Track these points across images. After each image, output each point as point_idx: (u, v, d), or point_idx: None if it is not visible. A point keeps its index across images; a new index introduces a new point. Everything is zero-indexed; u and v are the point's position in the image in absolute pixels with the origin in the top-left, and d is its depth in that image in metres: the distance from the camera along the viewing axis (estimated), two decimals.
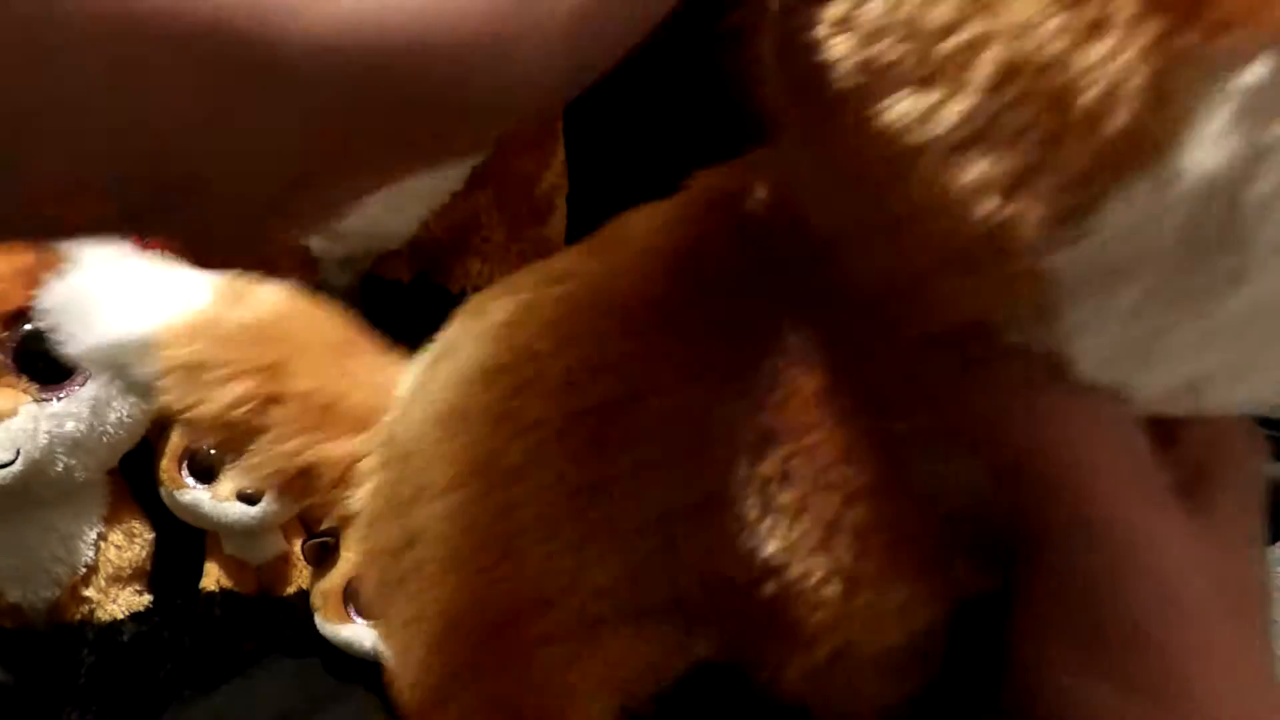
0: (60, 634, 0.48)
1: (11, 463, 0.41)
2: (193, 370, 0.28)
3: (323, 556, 0.50)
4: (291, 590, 0.52)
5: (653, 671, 0.24)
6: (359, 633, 0.48)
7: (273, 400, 0.28)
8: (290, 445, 0.28)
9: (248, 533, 0.50)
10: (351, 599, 0.49)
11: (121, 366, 0.28)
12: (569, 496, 0.22)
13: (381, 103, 0.15)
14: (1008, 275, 0.16)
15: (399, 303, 0.58)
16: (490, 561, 0.23)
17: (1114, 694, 0.18)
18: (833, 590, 0.21)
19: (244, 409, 0.28)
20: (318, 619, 0.49)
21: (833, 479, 0.21)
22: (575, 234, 0.61)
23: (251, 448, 0.28)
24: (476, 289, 0.57)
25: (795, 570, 0.21)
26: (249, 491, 0.48)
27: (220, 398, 0.27)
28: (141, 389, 0.28)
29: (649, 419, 0.22)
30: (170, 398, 0.28)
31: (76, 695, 0.47)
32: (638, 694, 0.24)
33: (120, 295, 0.29)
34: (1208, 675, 0.18)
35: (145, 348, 0.28)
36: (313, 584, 0.50)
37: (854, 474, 0.20)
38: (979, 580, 0.21)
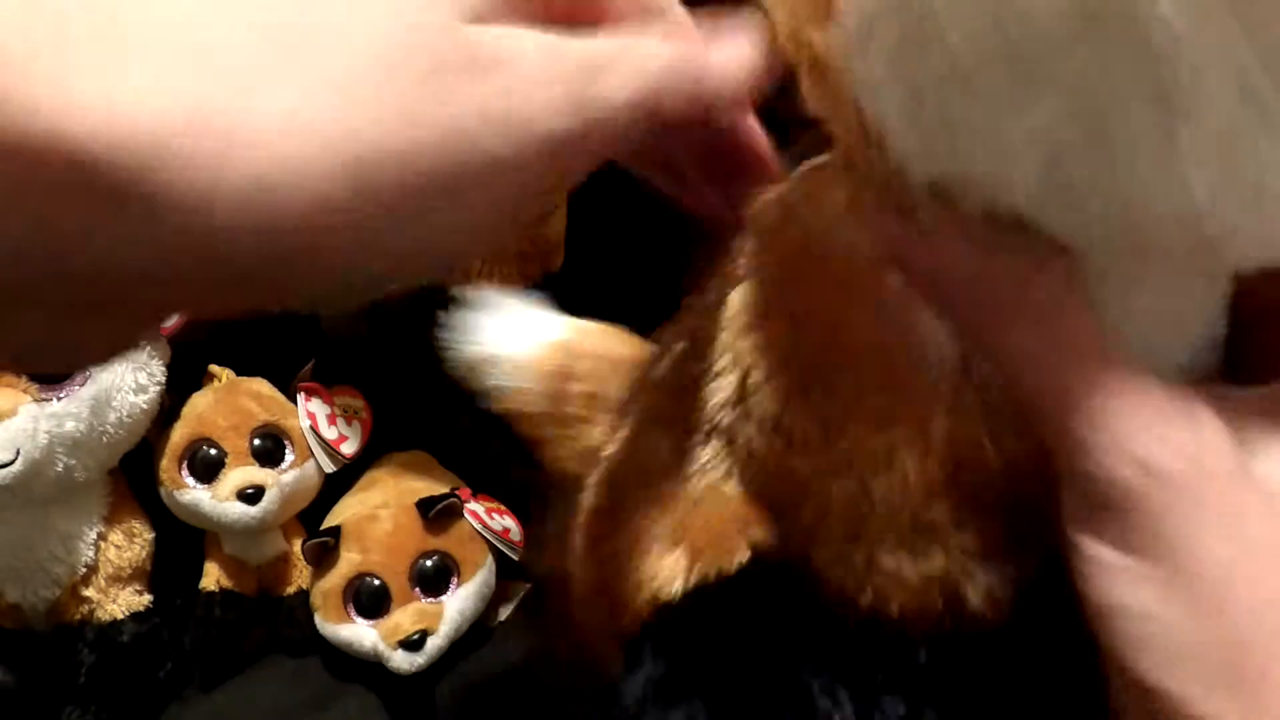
0: (60, 634, 0.48)
1: (11, 463, 0.41)
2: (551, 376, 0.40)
3: (323, 556, 0.50)
4: (291, 590, 0.52)
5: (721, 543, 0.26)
6: (359, 633, 0.48)
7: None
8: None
9: (248, 533, 0.50)
10: (351, 599, 0.49)
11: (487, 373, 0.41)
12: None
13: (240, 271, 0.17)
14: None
15: (399, 303, 0.58)
16: None
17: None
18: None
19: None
20: (318, 619, 0.49)
21: None
22: (575, 234, 0.61)
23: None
24: (477, 289, 0.57)
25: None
26: (250, 491, 0.48)
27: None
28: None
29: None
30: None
31: (76, 695, 0.47)
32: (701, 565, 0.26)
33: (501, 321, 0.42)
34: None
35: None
36: (313, 584, 0.50)
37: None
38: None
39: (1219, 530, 0.18)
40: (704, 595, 0.26)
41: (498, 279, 0.57)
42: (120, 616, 0.48)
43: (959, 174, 0.19)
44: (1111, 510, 0.19)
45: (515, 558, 0.52)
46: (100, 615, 0.48)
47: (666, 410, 0.29)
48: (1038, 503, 0.21)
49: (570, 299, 0.61)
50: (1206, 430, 0.19)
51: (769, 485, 0.25)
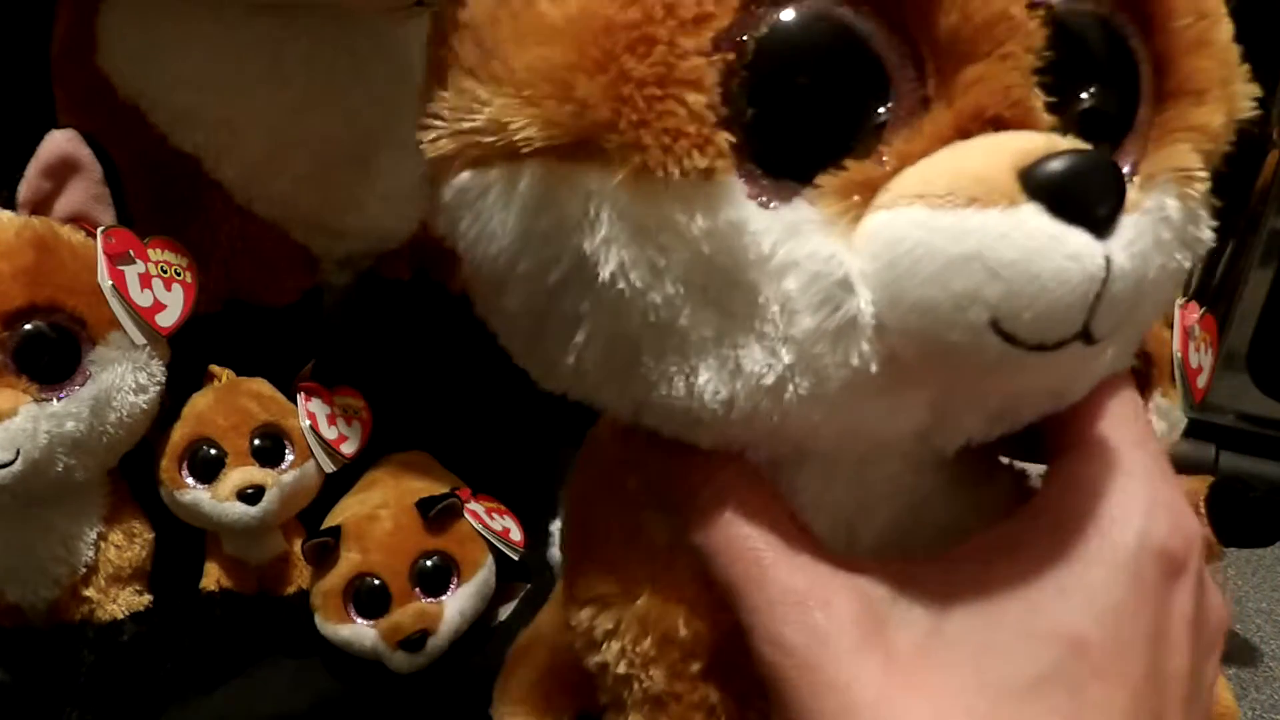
0: (60, 634, 0.48)
1: (11, 463, 0.41)
2: None
3: (323, 556, 0.50)
4: (291, 590, 0.52)
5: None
6: (359, 633, 0.48)
7: None
8: None
9: (248, 533, 0.50)
10: (351, 599, 0.49)
11: None
12: None
13: None
14: None
15: (399, 301, 0.58)
16: None
17: None
18: None
19: None
20: (318, 619, 0.50)
21: None
22: None
23: None
24: None
25: None
26: (250, 491, 0.48)
27: None
28: None
29: None
30: None
31: (76, 695, 0.47)
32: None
33: None
34: None
35: None
36: (313, 584, 0.50)
37: None
38: None
39: (837, 699, 0.21)
40: None
41: None
42: (120, 616, 0.48)
43: (583, 397, 0.24)
44: (772, 687, 0.22)
45: (515, 558, 0.52)
46: (100, 615, 0.48)
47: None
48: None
49: None
50: (836, 610, 0.21)
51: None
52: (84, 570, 0.47)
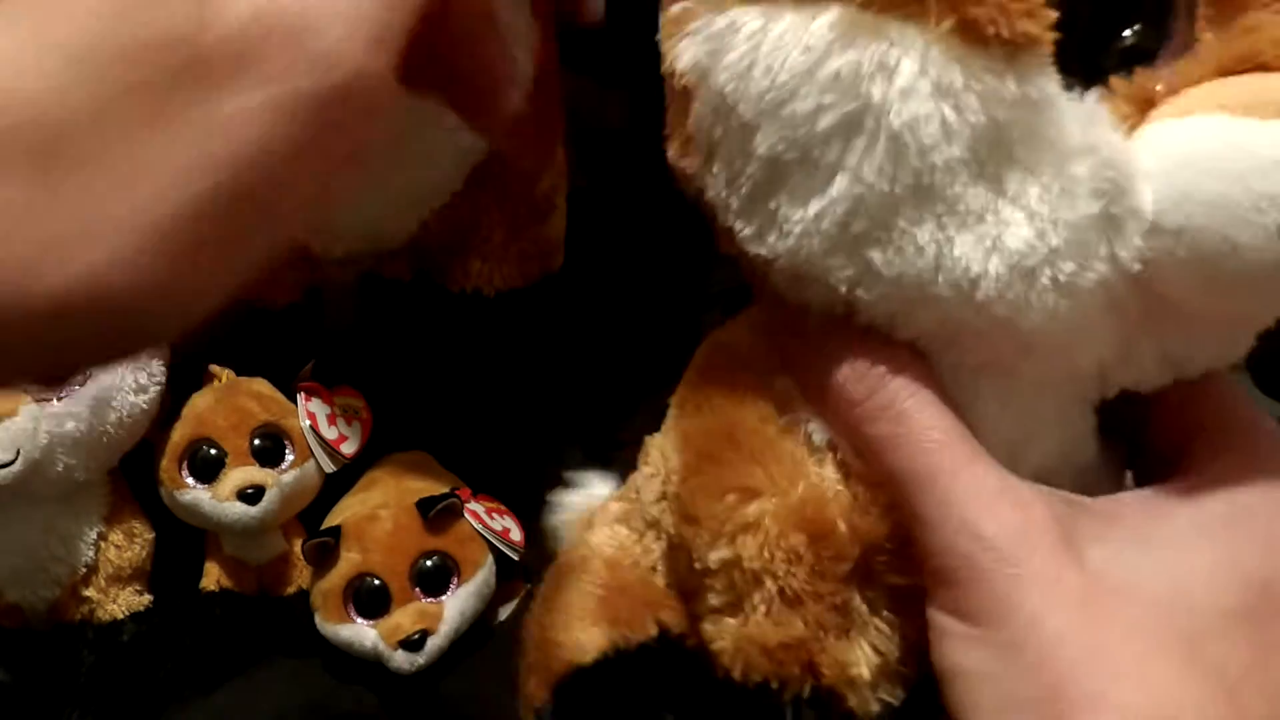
0: (60, 634, 0.48)
1: (11, 463, 0.41)
2: None
3: (323, 556, 0.50)
4: (291, 590, 0.52)
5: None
6: (359, 633, 0.48)
7: None
8: None
9: (248, 533, 0.50)
10: (351, 599, 0.49)
11: None
12: None
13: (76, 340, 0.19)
14: None
15: (399, 302, 0.58)
16: None
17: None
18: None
19: None
20: (318, 619, 0.49)
21: None
22: (575, 234, 0.61)
23: None
24: (476, 289, 0.57)
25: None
26: (250, 491, 0.48)
27: None
28: None
29: None
30: None
31: (76, 695, 0.47)
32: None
33: None
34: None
35: None
36: (313, 584, 0.50)
37: None
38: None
39: (1040, 593, 0.21)
40: (609, 664, 0.28)
41: (498, 279, 0.57)
42: (120, 616, 0.48)
43: (794, 264, 0.23)
44: (951, 580, 0.21)
45: (515, 558, 0.52)
46: (100, 615, 0.48)
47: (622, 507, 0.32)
48: (893, 583, 0.25)
49: (570, 299, 0.61)
50: (1034, 511, 0.22)
51: (678, 567, 0.28)
52: (84, 570, 0.47)
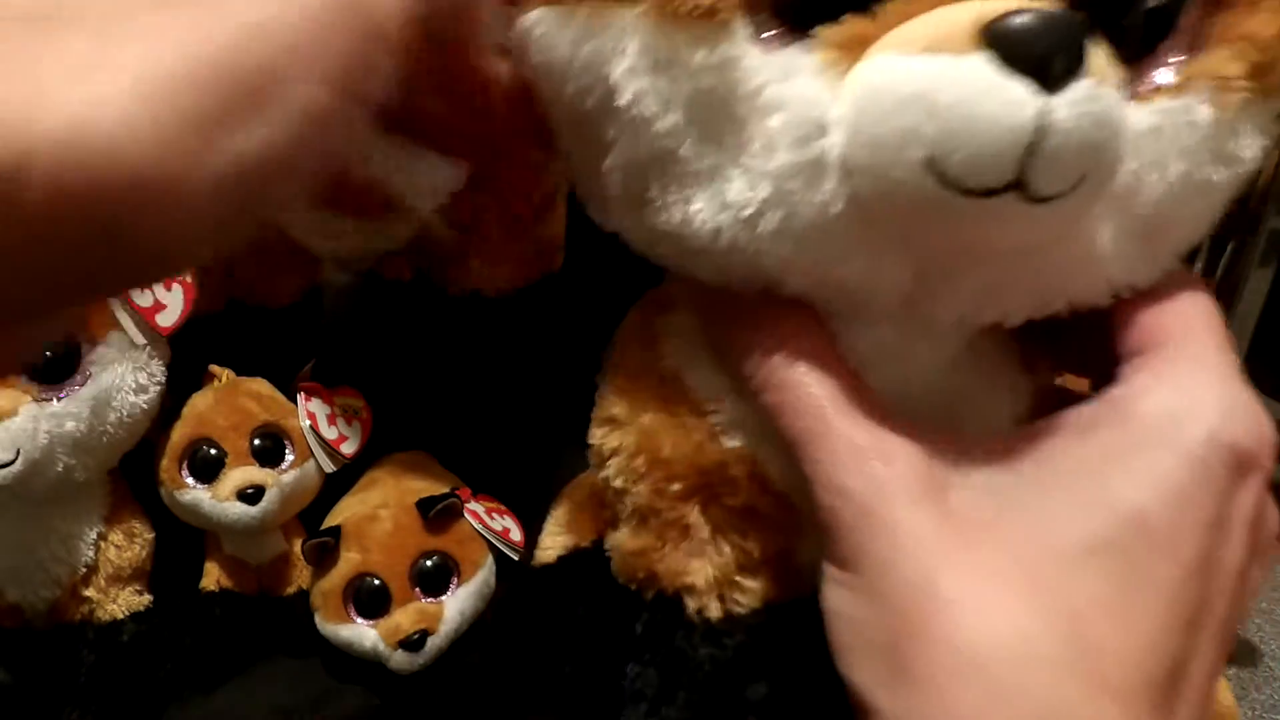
0: (60, 634, 0.48)
1: (11, 463, 0.41)
2: None
3: (323, 556, 0.50)
4: (291, 590, 0.52)
5: None
6: (359, 633, 0.48)
7: None
8: None
9: (248, 533, 0.50)
10: (351, 599, 0.49)
11: None
12: None
13: (81, 237, 0.17)
14: None
15: (399, 302, 0.58)
16: None
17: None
18: None
19: None
20: (318, 619, 0.49)
21: None
22: (575, 234, 0.61)
23: None
24: (477, 289, 0.57)
25: None
26: (250, 491, 0.48)
27: None
28: None
29: None
30: None
31: (76, 695, 0.47)
32: None
33: None
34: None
35: None
36: (313, 584, 0.50)
37: None
38: None
39: (891, 542, 0.22)
40: (559, 563, 0.35)
41: (498, 280, 0.57)
42: (120, 616, 0.48)
43: (620, 229, 0.26)
44: (826, 531, 0.23)
45: (515, 558, 0.52)
46: (100, 615, 0.48)
47: None
48: (730, 504, 0.28)
49: (570, 299, 0.61)
50: (896, 465, 0.23)
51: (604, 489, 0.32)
52: (84, 570, 0.47)
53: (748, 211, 0.22)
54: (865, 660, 0.22)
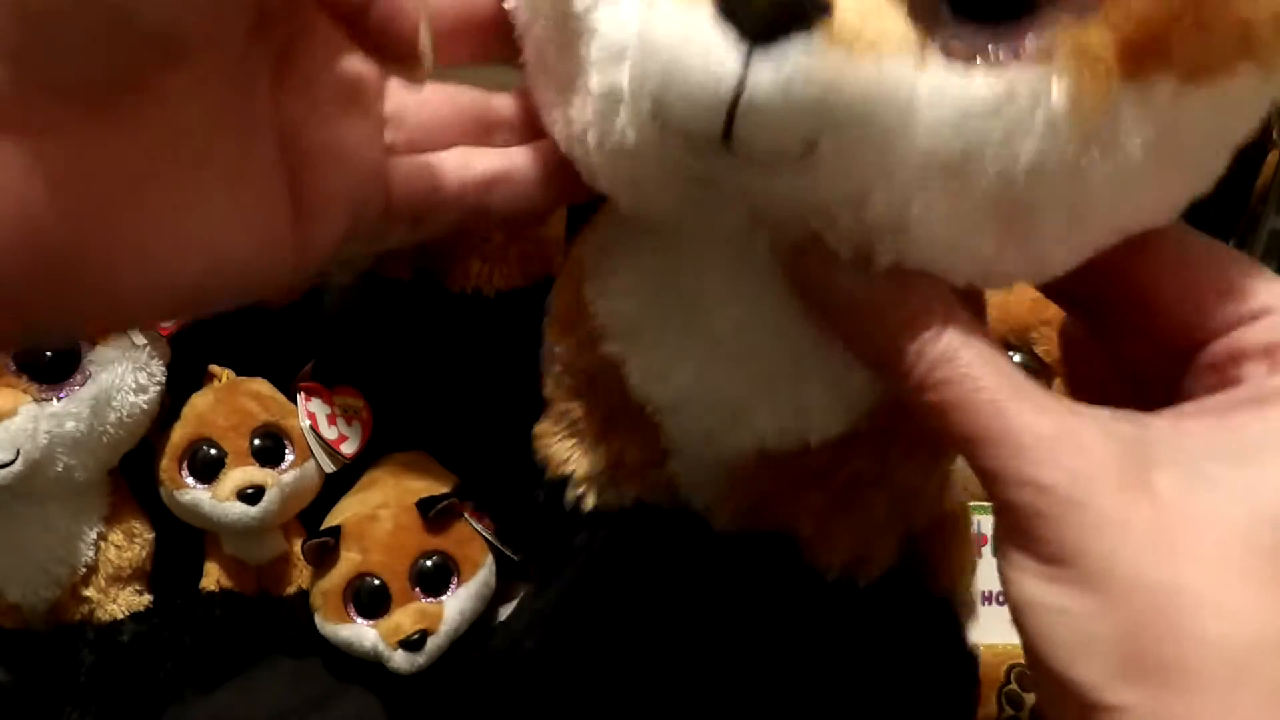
0: (60, 634, 0.48)
1: (11, 463, 0.41)
2: None
3: (323, 556, 0.50)
4: (291, 590, 0.52)
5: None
6: (359, 633, 0.48)
7: None
8: None
9: (248, 533, 0.50)
10: (351, 599, 0.49)
11: None
12: None
13: None
14: None
15: (399, 301, 0.58)
16: None
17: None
18: None
19: None
20: (318, 619, 0.50)
21: None
22: (575, 234, 0.61)
23: None
24: (477, 289, 0.57)
25: None
26: (250, 491, 0.48)
27: None
28: None
29: None
30: None
31: (76, 695, 0.47)
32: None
33: None
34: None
35: None
36: (313, 584, 0.50)
37: None
38: None
39: (1108, 535, 0.21)
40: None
41: (498, 280, 0.57)
42: (120, 616, 0.48)
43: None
44: (1021, 524, 0.22)
45: (515, 558, 0.52)
46: (100, 615, 0.48)
47: None
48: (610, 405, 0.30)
49: None
50: (1094, 453, 0.22)
51: None
52: (84, 570, 0.47)
53: (578, 127, 0.23)
54: (1094, 658, 0.21)
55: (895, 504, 0.28)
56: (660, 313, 0.27)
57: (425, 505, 0.50)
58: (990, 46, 0.20)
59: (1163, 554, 0.21)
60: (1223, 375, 0.24)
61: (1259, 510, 0.21)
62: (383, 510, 0.50)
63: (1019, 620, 0.22)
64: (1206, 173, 0.22)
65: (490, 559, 0.51)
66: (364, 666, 0.49)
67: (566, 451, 0.32)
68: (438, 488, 0.52)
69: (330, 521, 0.51)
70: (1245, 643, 0.20)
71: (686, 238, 0.25)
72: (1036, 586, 0.22)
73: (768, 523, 0.29)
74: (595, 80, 0.22)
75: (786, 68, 0.18)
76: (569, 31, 0.22)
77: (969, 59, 0.20)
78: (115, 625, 0.48)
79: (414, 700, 0.49)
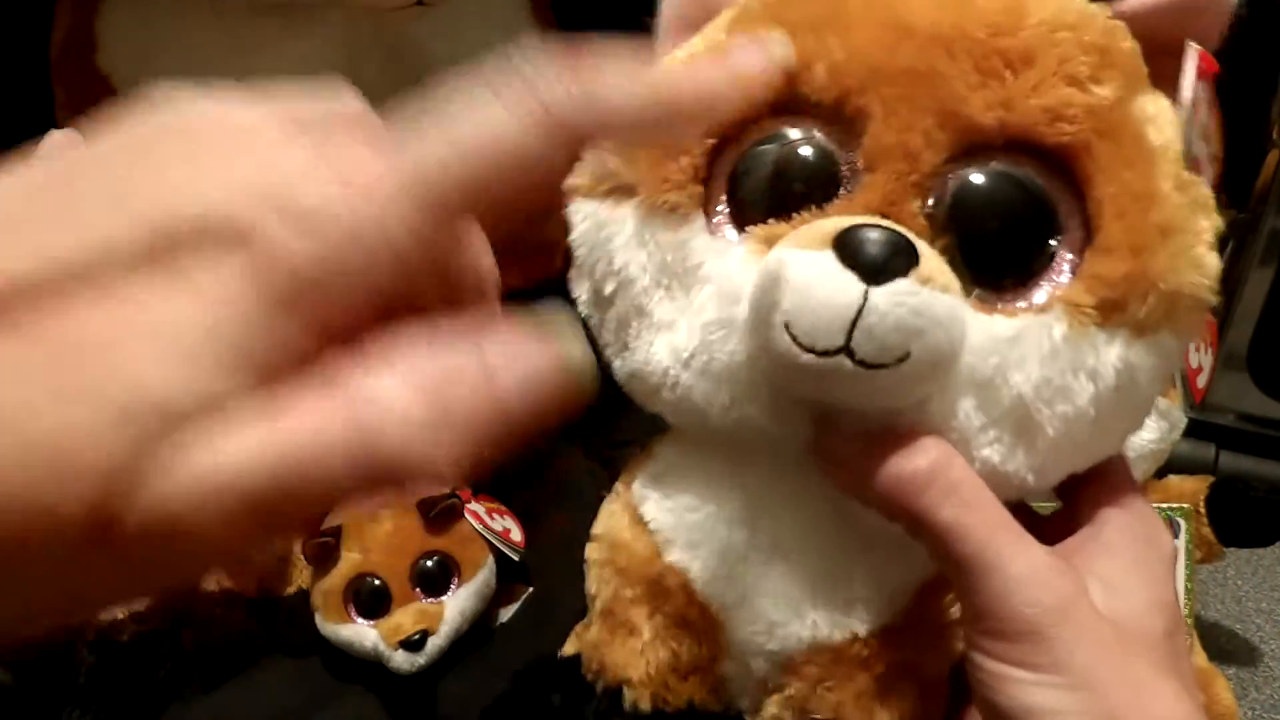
0: (60, 634, 0.48)
1: None
2: None
3: (323, 556, 0.50)
4: (291, 590, 0.52)
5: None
6: (359, 633, 0.48)
7: None
8: None
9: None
10: (352, 599, 0.49)
11: None
12: None
13: None
14: None
15: None
16: None
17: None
18: None
19: None
20: (318, 619, 0.50)
21: None
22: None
23: None
24: None
25: None
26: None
27: None
28: None
29: None
30: None
31: (76, 695, 0.47)
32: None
33: None
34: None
35: None
36: (313, 584, 0.50)
37: None
38: None
39: (1087, 644, 0.26)
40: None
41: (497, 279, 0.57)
42: (120, 616, 0.48)
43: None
44: (1015, 639, 0.26)
45: (515, 558, 0.52)
46: (100, 615, 0.48)
47: None
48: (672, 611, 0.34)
49: (570, 299, 0.61)
50: (1074, 574, 0.27)
51: None
52: None
53: (685, 354, 0.29)
54: None
55: (924, 695, 0.32)
56: (725, 521, 0.32)
57: (425, 505, 0.50)
58: (1003, 301, 0.28)
59: (1119, 657, 0.26)
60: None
61: (1145, 623, 0.27)
62: (383, 510, 0.50)
63: (1001, 708, 0.27)
64: (1143, 413, 0.30)
65: (491, 559, 0.51)
66: (364, 666, 0.49)
67: (625, 656, 0.34)
68: (438, 488, 0.52)
69: (330, 521, 0.51)
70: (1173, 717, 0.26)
71: (750, 454, 0.31)
72: (1034, 693, 0.26)
73: (811, 717, 0.32)
74: (709, 316, 0.29)
75: (895, 299, 0.25)
76: (679, 283, 0.29)
77: (991, 307, 0.28)
78: (115, 625, 0.48)
79: (414, 700, 0.49)
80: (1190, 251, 0.27)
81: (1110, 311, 0.27)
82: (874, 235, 0.25)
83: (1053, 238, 0.28)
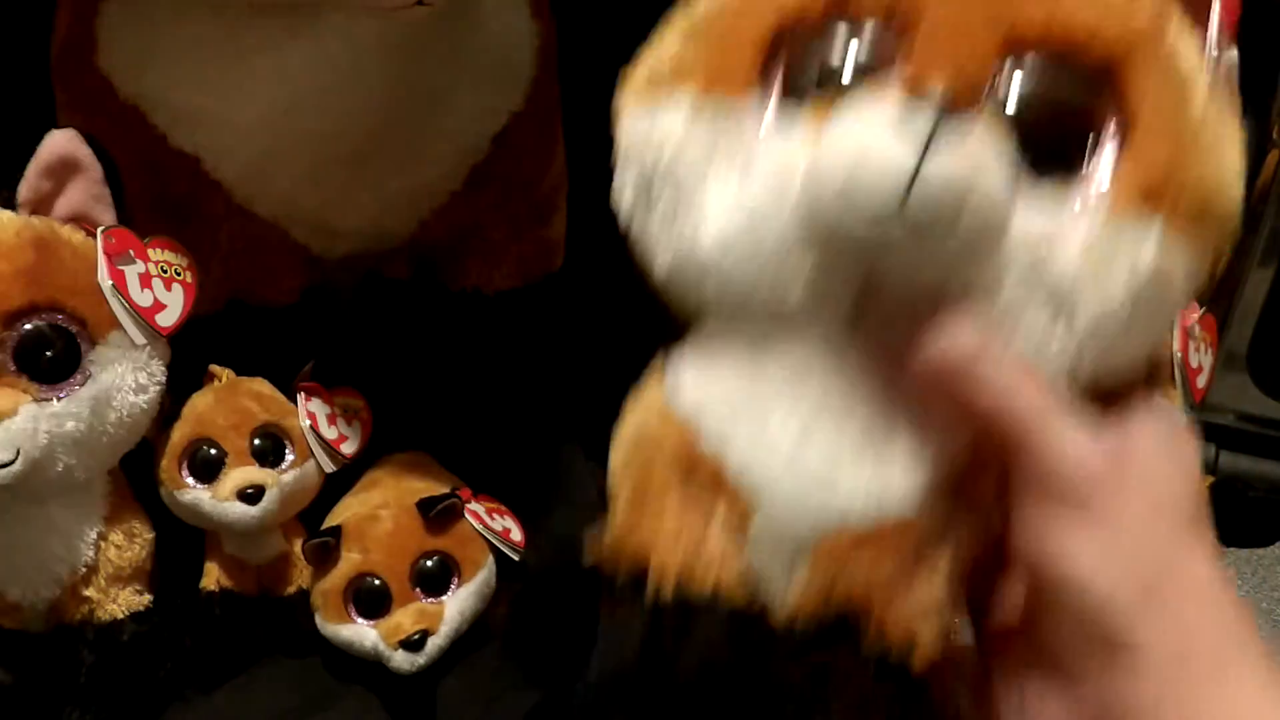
0: (60, 634, 0.48)
1: (11, 463, 0.41)
2: None
3: (323, 556, 0.50)
4: (291, 590, 0.52)
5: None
6: (359, 633, 0.48)
7: None
8: None
9: (248, 533, 0.50)
10: (352, 599, 0.49)
11: None
12: None
13: None
14: None
15: (399, 302, 0.58)
16: None
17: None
18: None
19: None
20: (318, 619, 0.50)
21: None
22: (575, 234, 0.61)
23: None
24: (477, 288, 0.57)
25: None
26: (250, 491, 0.48)
27: None
28: None
29: None
30: None
31: (76, 695, 0.47)
32: None
33: None
34: None
35: None
36: (313, 584, 0.50)
37: None
38: None
39: (1135, 505, 0.28)
40: None
41: (498, 280, 0.57)
42: (120, 616, 0.48)
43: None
44: (1065, 503, 0.28)
45: (515, 558, 0.52)
46: (100, 615, 0.48)
47: None
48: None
49: (570, 299, 0.61)
50: (1115, 441, 0.29)
51: None
52: (84, 570, 0.47)
53: (734, 236, 0.30)
54: (1118, 589, 0.27)
55: (957, 576, 0.32)
56: (760, 400, 0.32)
57: (426, 505, 0.50)
58: (1049, 184, 0.28)
59: (1163, 519, 0.28)
60: None
61: (1184, 475, 0.29)
62: (383, 510, 0.50)
63: (1048, 568, 0.28)
64: (1169, 318, 0.32)
65: (491, 559, 0.51)
66: (364, 666, 0.49)
67: (651, 538, 0.34)
68: (438, 488, 0.52)
69: (330, 521, 0.51)
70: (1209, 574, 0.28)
71: (789, 334, 0.32)
72: (1084, 555, 0.27)
73: (838, 603, 0.31)
74: (761, 196, 0.29)
75: (946, 167, 0.26)
76: (737, 156, 0.30)
77: (1036, 190, 0.28)
78: (115, 625, 0.48)
79: (414, 700, 0.49)
80: (1222, 148, 0.29)
81: (1150, 198, 0.28)
82: (927, 109, 0.27)
83: (1097, 128, 0.29)
